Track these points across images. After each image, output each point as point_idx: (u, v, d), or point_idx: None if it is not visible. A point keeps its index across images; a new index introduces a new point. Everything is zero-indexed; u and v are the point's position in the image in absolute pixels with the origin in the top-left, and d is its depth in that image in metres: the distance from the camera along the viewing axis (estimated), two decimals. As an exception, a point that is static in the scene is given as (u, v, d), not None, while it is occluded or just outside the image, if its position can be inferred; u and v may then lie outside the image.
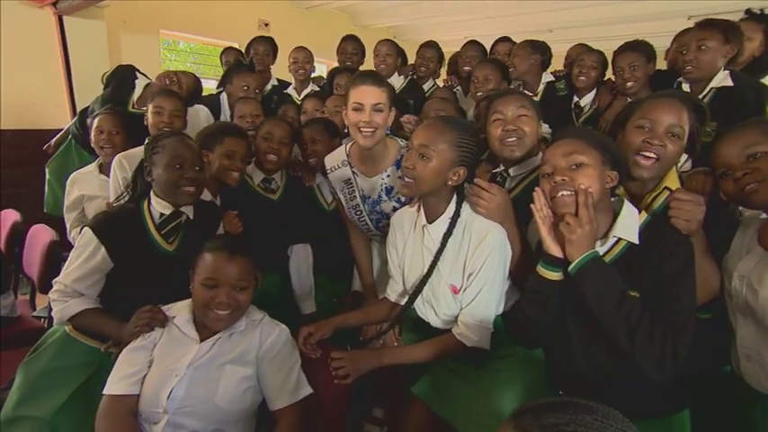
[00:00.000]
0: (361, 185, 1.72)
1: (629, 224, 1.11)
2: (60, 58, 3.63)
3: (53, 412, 1.31)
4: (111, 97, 2.66)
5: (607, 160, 1.12)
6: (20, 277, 2.38)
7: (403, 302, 1.44)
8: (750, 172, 1.10)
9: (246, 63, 2.84)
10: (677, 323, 1.01)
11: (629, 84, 2.10)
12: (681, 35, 2.31)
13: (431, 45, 3.04)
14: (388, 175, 1.67)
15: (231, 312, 1.24)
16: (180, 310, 1.32)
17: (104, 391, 1.21)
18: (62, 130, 2.98)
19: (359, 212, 1.74)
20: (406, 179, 1.28)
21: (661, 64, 2.26)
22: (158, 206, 1.46)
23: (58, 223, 2.28)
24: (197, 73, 2.97)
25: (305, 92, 3.07)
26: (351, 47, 3.08)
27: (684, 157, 1.35)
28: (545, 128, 1.78)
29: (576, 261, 1.06)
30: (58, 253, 2.09)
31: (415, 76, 3.05)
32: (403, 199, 1.60)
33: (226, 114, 2.58)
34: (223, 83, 2.65)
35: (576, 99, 2.52)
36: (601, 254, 1.09)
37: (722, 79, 1.83)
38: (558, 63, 2.89)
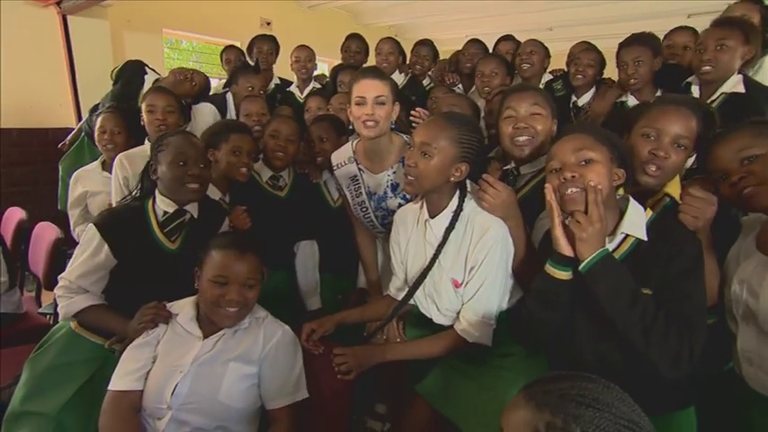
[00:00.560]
0: (367, 182, 1.71)
1: (637, 221, 1.09)
2: (64, 57, 3.65)
3: (59, 408, 1.32)
4: (121, 93, 2.67)
5: (615, 157, 1.09)
6: (26, 274, 2.40)
7: (405, 299, 1.43)
8: (746, 176, 1.09)
9: (252, 63, 2.84)
10: (692, 322, 0.99)
11: (633, 81, 2.03)
12: (672, 34, 2.31)
13: (425, 43, 3.05)
14: (394, 172, 1.67)
15: (240, 310, 1.24)
16: (183, 308, 1.32)
17: (109, 387, 1.21)
18: (66, 128, 3.00)
19: (364, 209, 1.74)
20: (409, 177, 1.27)
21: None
22: (162, 204, 1.46)
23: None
24: (200, 72, 2.97)
25: (307, 90, 3.08)
26: (355, 45, 3.09)
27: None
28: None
29: (588, 260, 1.03)
30: (63, 250, 2.10)
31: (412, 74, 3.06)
32: (408, 196, 1.60)
33: (232, 113, 2.58)
34: (229, 83, 2.66)
35: (573, 99, 2.48)
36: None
37: (734, 84, 1.74)
38: (559, 62, 2.87)
